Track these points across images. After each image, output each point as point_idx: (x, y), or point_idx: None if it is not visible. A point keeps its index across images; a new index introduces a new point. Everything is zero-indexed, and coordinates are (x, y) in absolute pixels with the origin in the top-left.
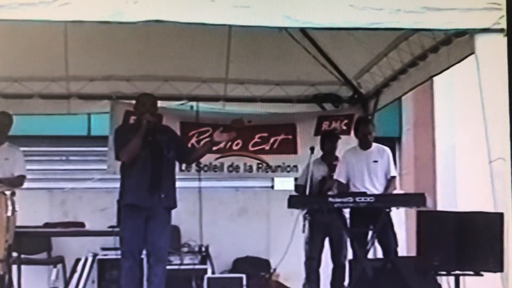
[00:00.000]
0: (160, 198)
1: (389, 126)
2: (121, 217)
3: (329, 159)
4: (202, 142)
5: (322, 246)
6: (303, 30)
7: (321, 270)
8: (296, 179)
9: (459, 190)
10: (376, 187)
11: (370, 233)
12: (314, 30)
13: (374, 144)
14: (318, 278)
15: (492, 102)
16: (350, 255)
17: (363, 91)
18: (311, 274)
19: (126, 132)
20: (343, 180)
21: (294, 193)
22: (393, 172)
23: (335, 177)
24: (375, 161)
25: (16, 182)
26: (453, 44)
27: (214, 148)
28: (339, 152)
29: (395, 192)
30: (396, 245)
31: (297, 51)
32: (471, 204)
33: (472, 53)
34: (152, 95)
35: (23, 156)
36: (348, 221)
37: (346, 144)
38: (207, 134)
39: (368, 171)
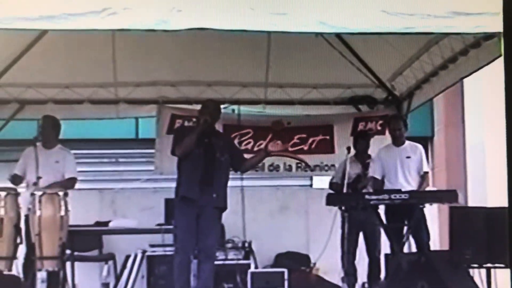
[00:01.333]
0: (212, 197)
1: (421, 126)
2: (175, 211)
3: (362, 157)
4: (243, 144)
5: (357, 241)
6: (338, 35)
7: (357, 263)
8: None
9: (489, 187)
10: (409, 182)
11: (405, 228)
12: (348, 35)
13: (407, 141)
14: (355, 271)
15: None
16: (383, 250)
17: (397, 93)
18: (348, 267)
19: (185, 132)
20: (378, 177)
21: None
22: (426, 168)
23: (370, 174)
24: (408, 157)
25: (68, 184)
26: (482, 47)
27: (256, 149)
28: (373, 151)
29: (428, 188)
30: (429, 239)
31: (333, 55)
32: (501, 200)
33: (500, 55)
34: (215, 101)
35: (74, 159)
36: (383, 217)
37: (381, 143)
38: (249, 135)
39: (401, 167)
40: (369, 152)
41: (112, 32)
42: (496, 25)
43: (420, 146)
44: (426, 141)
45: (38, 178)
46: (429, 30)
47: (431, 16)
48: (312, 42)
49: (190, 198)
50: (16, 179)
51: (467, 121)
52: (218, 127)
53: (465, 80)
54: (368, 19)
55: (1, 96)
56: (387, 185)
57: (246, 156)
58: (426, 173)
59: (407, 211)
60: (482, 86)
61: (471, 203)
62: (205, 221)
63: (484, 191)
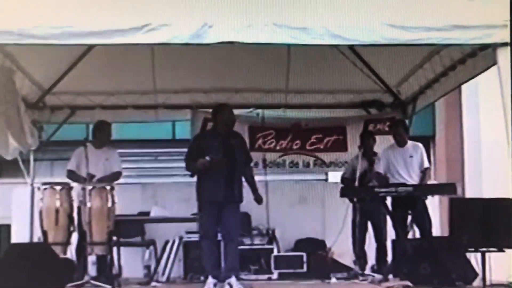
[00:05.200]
0: (233, 194)
1: (424, 126)
2: (199, 208)
3: (369, 155)
4: (267, 144)
5: (366, 228)
6: (351, 47)
7: (366, 248)
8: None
9: (484, 180)
10: (412, 178)
11: (409, 217)
12: (360, 47)
13: (409, 142)
14: (365, 254)
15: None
16: (390, 236)
17: (402, 97)
18: (359, 251)
19: (201, 142)
20: (381, 172)
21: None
22: (426, 164)
23: (375, 169)
24: (411, 156)
25: (114, 178)
26: (478, 56)
27: (278, 148)
28: (381, 149)
29: (429, 182)
30: (431, 227)
31: (346, 64)
32: (495, 192)
33: (495, 63)
34: (227, 104)
35: (119, 156)
36: (390, 207)
37: (389, 142)
38: (271, 136)
39: (405, 164)
40: (376, 149)
41: (152, 46)
42: (491, 36)
43: (421, 145)
44: (428, 139)
45: (88, 174)
46: (431, 41)
47: (433, 29)
48: (327, 53)
49: (214, 195)
50: (73, 175)
51: (465, 122)
52: (244, 128)
53: (463, 86)
54: (376, 32)
55: (55, 102)
56: (392, 181)
57: (268, 154)
58: (427, 168)
59: (411, 203)
60: (478, 91)
61: (468, 195)
62: (226, 212)
63: (480, 184)
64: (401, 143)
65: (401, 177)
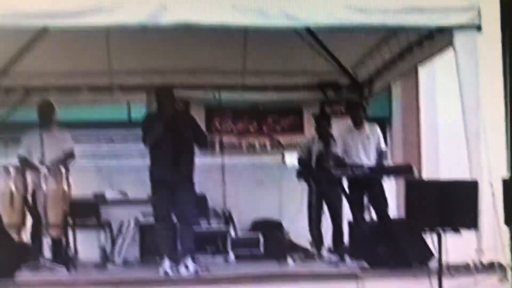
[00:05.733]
0: (181, 173)
1: (381, 109)
2: (151, 189)
3: (325, 137)
4: (223, 126)
5: (322, 209)
6: (307, 28)
7: (324, 231)
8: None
9: (441, 162)
10: (370, 159)
11: (366, 199)
12: (316, 28)
13: (367, 124)
14: (321, 236)
15: (467, 87)
16: (347, 218)
17: (359, 80)
18: (315, 233)
19: (151, 121)
20: (340, 154)
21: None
22: (383, 147)
23: (335, 151)
24: (368, 138)
25: (69, 158)
26: (435, 38)
27: (235, 130)
28: (337, 131)
29: (386, 164)
30: (387, 207)
31: (303, 45)
32: (451, 175)
33: (451, 45)
34: (167, 87)
35: (70, 136)
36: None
37: (346, 124)
38: (228, 118)
39: (362, 146)
40: (333, 131)
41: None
42: (447, 19)
43: (377, 127)
44: (385, 122)
45: (43, 156)
46: (387, 23)
47: (389, 11)
48: (284, 34)
49: (163, 179)
50: (24, 162)
51: (422, 105)
52: (201, 111)
53: (419, 68)
54: (333, 14)
55: (9, 84)
56: (349, 162)
57: (225, 136)
58: (384, 151)
59: (367, 184)
60: (435, 73)
61: (425, 177)
62: (179, 193)
63: (436, 167)
64: (358, 124)
65: (358, 158)
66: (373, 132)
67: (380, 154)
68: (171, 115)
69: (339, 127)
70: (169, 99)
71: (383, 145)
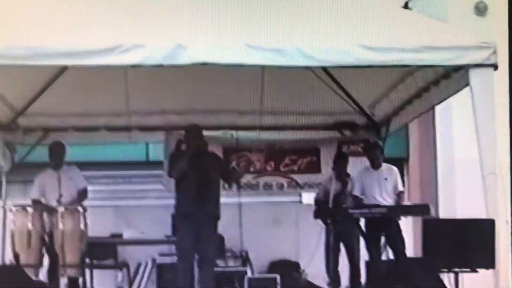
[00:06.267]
0: (206, 209)
1: (398, 148)
2: (176, 226)
3: (342, 176)
4: (241, 164)
5: (339, 250)
6: (324, 68)
7: (340, 270)
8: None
9: (458, 201)
10: (386, 200)
11: (383, 238)
12: (333, 68)
13: (384, 164)
14: (338, 276)
15: (484, 125)
16: (364, 258)
17: (376, 119)
18: (332, 273)
19: (178, 156)
20: (358, 194)
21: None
22: (401, 187)
23: (352, 192)
24: (385, 179)
25: (83, 196)
26: (451, 77)
27: (251, 169)
28: (354, 171)
29: (403, 203)
30: (405, 247)
31: (319, 85)
32: (468, 213)
33: (468, 84)
34: (197, 125)
35: (80, 171)
36: (364, 228)
37: (363, 164)
38: (245, 157)
39: (379, 187)
40: (350, 171)
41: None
42: (464, 58)
43: (395, 169)
44: (402, 161)
45: (61, 196)
46: (404, 63)
47: (406, 50)
48: (301, 74)
49: (188, 213)
50: (37, 204)
51: (438, 143)
52: (218, 149)
53: (436, 107)
54: (350, 54)
55: (27, 124)
56: (366, 202)
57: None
58: (402, 192)
59: (385, 224)
60: (452, 112)
61: (442, 216)
62: (203, 232)
63: (453, 205)
64: (376, 165)
65: (375, 199)
66: (390, 172)
67: (398, 195)
68: (198, 152)
69: (355, 166)
70: (197, 136)
71: (400, 186)
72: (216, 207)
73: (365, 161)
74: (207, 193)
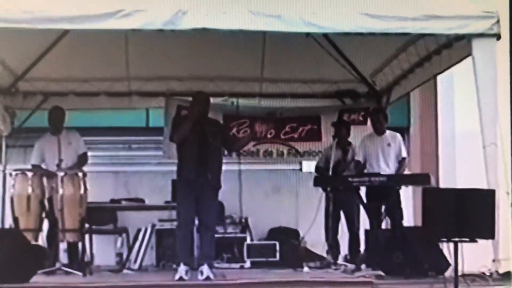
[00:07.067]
0: (207, 177)
1: (399, 118)
2: (177, 192)
3: (342, 144)
4: (241, 132)
5: (339, 218)
6: (326, 36)
7: (340, 238)
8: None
9: (458, 171)
10: (389, 166)
11: (383, 207)
12: (334, 35)
13: (387, 131)
14: (337, 244)
15: (485, 95)
16: (363, 226)
17: (377, 88)
18: (332, 241)
19: (181, 121)
20: (361, 160)
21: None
22: (404, 154)
23: (355, 158)
24: (389, 145)
25: (83, 161)
26: (453, 47)
27: (252, 137)
28: (355, 139)
29: (404, 173)
30: (402, 219)
31: (321, 53)
32: (468, 183)
33: (470, 54)
34: (204, 92)
35: (80, 136)
36: (364, 197)
37: (363, 132)
38: (245, 125)
39: (382, 153)
40: (350, 139)
41: (125, 31)
42: (466, 27)
43: (398, 135)
44: (402, 131)
45: (60, 160)
46: (405, 31)
47: (408, 19)
48: (302, 42)
49: (189, 179)
50: (37, 169)
51: (440, 114)
52: (218, 117)
53: (438, 76)
54: (351, 21)
55: (27, 88)
56: (369, 169)
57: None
58: (404, 158)
59: (385, 193)
60: (453, 83)
61: (442, 185)
62: (203, 199)
63: (453, 175)
64: (379, 131)
65: (378, 166)
66: (394, 139)
67: (400, 163)
68: (200, 118)
69: (356, 135)
70: (203, 103)
71: (404, 153)
72: (217, 176)
73: (365, 130)
74: (208, 161)
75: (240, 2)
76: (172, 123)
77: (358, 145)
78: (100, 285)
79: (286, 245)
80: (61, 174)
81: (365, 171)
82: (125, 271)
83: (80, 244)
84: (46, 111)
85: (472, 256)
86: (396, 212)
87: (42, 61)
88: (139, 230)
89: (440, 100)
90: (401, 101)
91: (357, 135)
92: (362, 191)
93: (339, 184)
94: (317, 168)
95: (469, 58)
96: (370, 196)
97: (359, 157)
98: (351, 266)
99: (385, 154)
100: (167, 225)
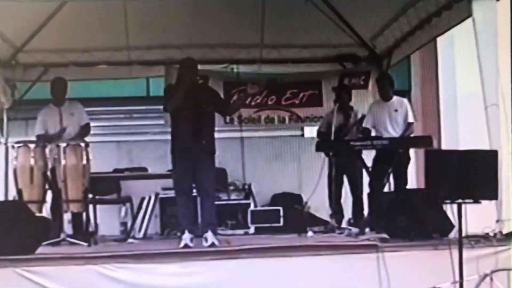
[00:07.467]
0: (202, 144)
1: (399, 81)
2: (173, 160)
3: (344, 109)
4: (253, 103)
5: (342, 182)
6: (325, 0)
7: (343, 202)
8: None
9: (460, 133)
10: (396, 131)
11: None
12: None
13: (394, 97)
14: (341, 208)
15: (486, 57)
16: (367, 190)
17: (378, 51)
18: (335, 205)
19: (173, 89)
20: (369, 126)
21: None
22: (411, 119)
23: (364, 124)
24: (396, 110)
25: (85, 131)
26: (453, 8)
27: (253, 103)
28: (356, 103)
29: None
30: (406, 185)
31: (320, 18)
32: (471, 145)
33: (470, 15)
34: (192, 58)
35: (83, 108)
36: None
37: (364, 96)
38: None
39: (390, 118)
40: (352, 104)
41: (124, 1)
42: None
43: (405, 100)
44: (403, 94)
45: (63, 129)
46: None
47: None
48: (302, 7)
49: (185, 147)
50: (43, 138)
51: (440, 76)
52: (219, 84)
53: (438, 38)
54: None
55: (27, 60)
56: (377, 135)
57: (244, 110)
58: (411, 123)
59: (392, 156)
60: (454, 44)
61: (444, 147)
62: (200, 165)
63: (456, 137)
64: (386, 97)
65: (386, 131)
66: (401, 104)
67: (407, 127)
68: (191, 86)
69: (357, 98)
70: (191, 70)
71: (411, 117)
72: (212, 142)
73: (366, 93)
74: (202, 127)
75: None
76: (164, 92)
77: (366, 112)
78: (105, 255)
79: (290, 211)
80: (63, 145)
81: None
82: (130, 240)
83: (84, 215)
84: (47, 83)
85: (476, 217)
86: (401, 176)
87: (41, 32)
88: (142, 199)
89: (441, 63)
90: (401, 64)
91: (358, 99)
92: (371, 155)
93: (342, 149)
94: (319, 133)
95: (470, 20)
96: (379, 159)
97: (368, 125)
98: (355, 230)
99: (392, 120)
100: (170, 193)
